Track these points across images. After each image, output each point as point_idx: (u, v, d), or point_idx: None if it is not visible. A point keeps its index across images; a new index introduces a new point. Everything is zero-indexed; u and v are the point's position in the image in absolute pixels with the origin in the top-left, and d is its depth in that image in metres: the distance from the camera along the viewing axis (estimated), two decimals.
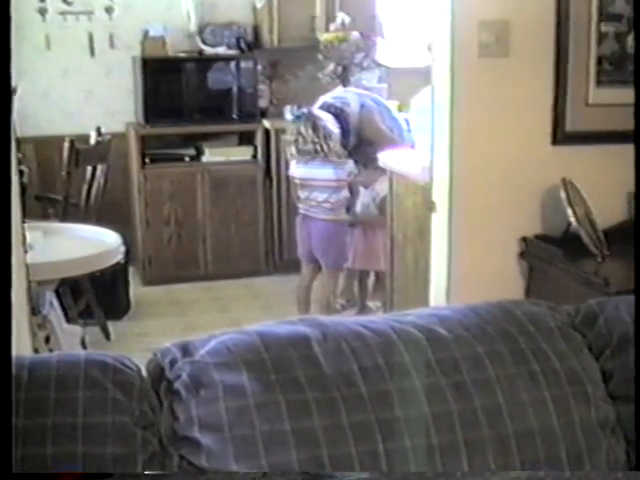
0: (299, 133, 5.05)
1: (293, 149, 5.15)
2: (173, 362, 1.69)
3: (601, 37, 3.32)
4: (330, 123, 5.06)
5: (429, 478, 1.61)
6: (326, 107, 5.33)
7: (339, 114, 5.27)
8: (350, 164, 5.07)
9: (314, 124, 4.98)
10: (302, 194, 5.14)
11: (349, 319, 1.90)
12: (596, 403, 1.81)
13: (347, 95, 5.52)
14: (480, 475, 1.61)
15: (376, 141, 5.32)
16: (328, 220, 5.05)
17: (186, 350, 1.71)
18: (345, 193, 5.07)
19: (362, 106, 5.41)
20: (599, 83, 3.35)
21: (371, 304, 5.59)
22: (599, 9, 3.29)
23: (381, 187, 5.18)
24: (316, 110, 5.19)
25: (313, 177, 5.04)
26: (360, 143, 5.39)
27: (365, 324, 1.81)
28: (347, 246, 5.23)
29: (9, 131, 1.54)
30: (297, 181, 5.19)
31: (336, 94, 5.57)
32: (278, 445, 1.57)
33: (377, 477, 1.58)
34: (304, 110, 5.32)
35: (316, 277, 5.23)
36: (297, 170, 5.17)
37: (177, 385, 1.65)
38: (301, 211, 5.20)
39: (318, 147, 4.95)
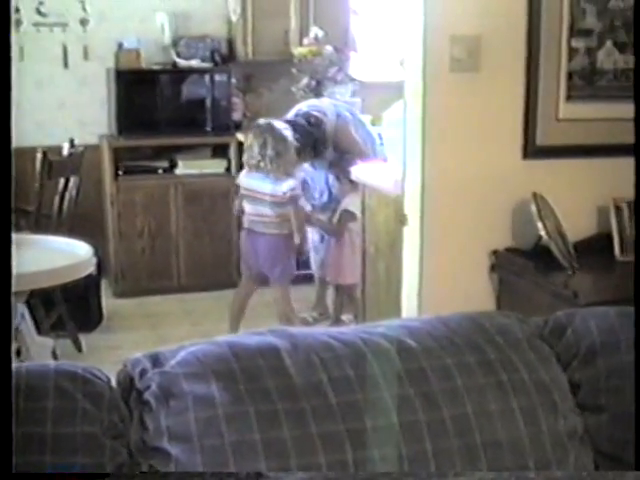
0: (250, 145, 5.00)
1: (244, 158, 5.10)
2: (143, 372, 1.69)
3: (572, 52, 3.35)
4: (287, 134, 4.96)
5: (395, 479, 1.62)
6: (302, 115, 5.31)
7: (315, 123, 5.25)
8: (291, 181, 4.92)
9: (264, 138, 4.88)
10: (246, 206, 5.04)
11: (319, 330, 1.91)
12: (564, 413, 1.83)
13: (323, 105, 5.50)
14: (445, 476, 1.62)
15: (351, 152, 5.32)
16: (273, 234, 4.96)
17: (156, 360, 1.72)
18: (286, 209, 4.93)
19: (338, 116, 5.40)
20: (569, 98, 3.38)
21: (343, 317, 5.59)
22: (570, 25, 3.32)
23: (346, 201, 5.22)
24: (276, 122, 5.05)
25: (254, 189, 4.95)
26: (335, 155, 5.39)
27: (335, 335, 1.82)
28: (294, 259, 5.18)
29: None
30: (242, 191, 5.09)
31: (311, 103, 5.56)
32: (247, 455, 1.58)
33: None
34: (260, 121, 5.17)
35: (254, 293, 5.20)
36: (243, 180, 5.09)
37: (147, 396, 1.65)
38: (245, 225, 5.09)
39: (262, 163, 4.88)
